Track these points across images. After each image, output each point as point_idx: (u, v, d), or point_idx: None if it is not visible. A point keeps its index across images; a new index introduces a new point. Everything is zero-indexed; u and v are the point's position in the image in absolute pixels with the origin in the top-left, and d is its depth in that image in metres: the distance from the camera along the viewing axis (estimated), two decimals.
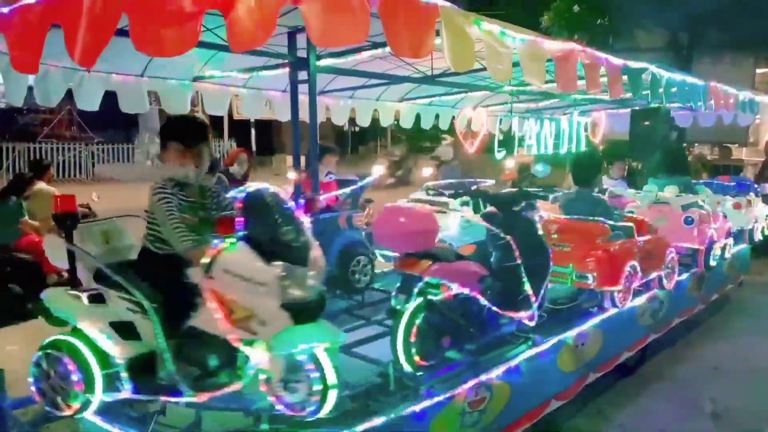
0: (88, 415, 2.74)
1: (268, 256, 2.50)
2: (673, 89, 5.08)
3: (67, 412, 2.76)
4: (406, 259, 3.31)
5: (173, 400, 2.64)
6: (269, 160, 24.11)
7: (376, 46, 3.82)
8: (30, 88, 3.90)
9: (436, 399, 2.99)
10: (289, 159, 14.31)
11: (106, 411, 2.78)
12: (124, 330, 2.70)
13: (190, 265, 2.62)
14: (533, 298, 3.61)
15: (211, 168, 5.50)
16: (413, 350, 3.10)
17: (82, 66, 2.41)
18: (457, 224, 5.33)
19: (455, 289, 3.24)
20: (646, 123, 7.96)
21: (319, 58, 3.89)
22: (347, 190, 5.32)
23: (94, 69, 4.11)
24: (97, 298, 2.82)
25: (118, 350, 2.65)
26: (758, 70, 16.30)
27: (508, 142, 6.95)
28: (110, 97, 4.49)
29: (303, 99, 3.79)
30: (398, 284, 3.31)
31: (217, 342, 2.56)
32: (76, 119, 21.17)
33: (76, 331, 2.75)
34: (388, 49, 2.73)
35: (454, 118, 7.41)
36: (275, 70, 4.46)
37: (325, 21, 2.25)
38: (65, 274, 6.26)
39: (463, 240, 4.48)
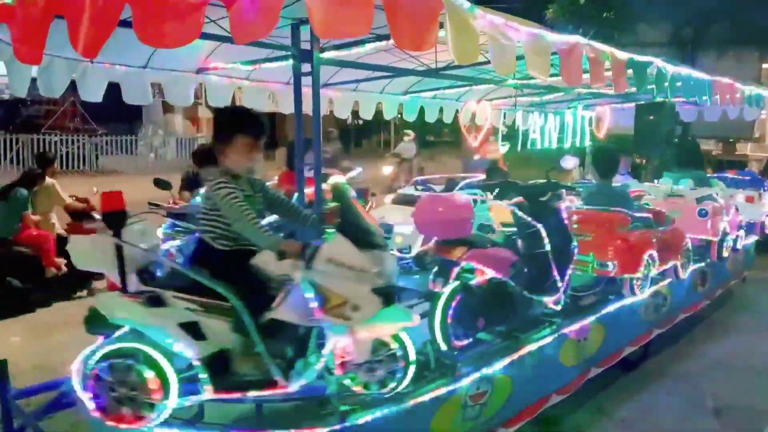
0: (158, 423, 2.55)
1: (356, 244, 2.61)
2: (679, 83, 5.05)
3: (139, 425, 2.54)
4: (443, 246, 3.56)
5: (260, 394, 2.63)
6: (272, 153, 24.09)
7: (380, 38, 3.80)
8: (33, 79, 3.89)
9: (438, 392, 3.00)
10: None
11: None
12: (192, 330, 2.57)
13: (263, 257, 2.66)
14: (560, 284, 3.83)
15: (214, 160, 5.51)
16: (450, 330, 3.29)
17: (86, 57, 2.41)
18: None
19: (489, 273, 3.47)
20: (651, 117, 7.93)
21: (322, 50, 3.87)
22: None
23: (98, 60, 4.09)
24: (153, 301, 2.61)
25: (191, 352, 2.54)
26: (764, 65, 16.19)
27: (512, 135, 6.94)
28: (114, 89, 4.48)
29: (306, 92, 3.78)
30: (436, 269, 3.53)
31: (300, 331, 2.65)
32: (79, 111, 21.16)
33: (138, 337, 2.57)
34: (391, 41, 2.71)
35: (458, 111, 7.39)
36: (279, 62, 4.44)
37: (328, 12, 2.24)
38: (64, 269, 6.33)
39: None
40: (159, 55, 4.33)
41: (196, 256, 2.79)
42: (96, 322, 2.67)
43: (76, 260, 2.87)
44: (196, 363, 2.54)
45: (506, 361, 3.40)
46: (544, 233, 3.75)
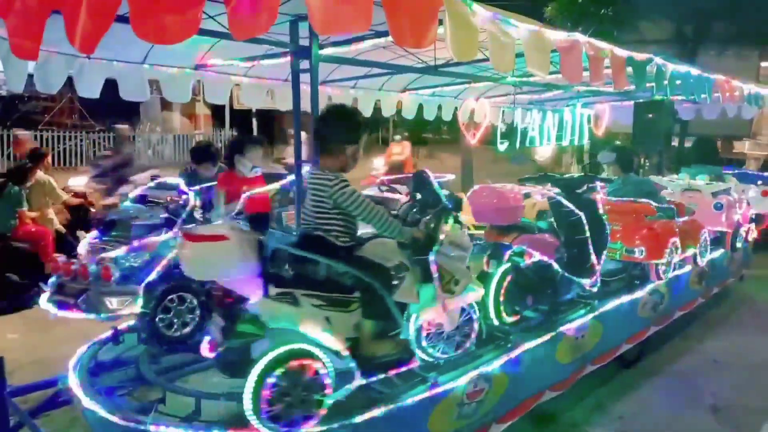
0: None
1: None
2: (678, 81, 5.05)
3: (308, 424, 2.56)
4: (497, 230, 4.00)
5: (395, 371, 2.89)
6: (271, 150, 24.04)
7: (379, 35, 3.79)
8: (30, 75, 3.87)
9: (436, 390, 3.00)
10: (291, 149, 14.19)
11: (107, 399, 2.79)
12: (330, 325, 2.64)
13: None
14: (596, 267, 4.24)
15: (212, 158, 5.50)
16: (501, 307, 3.66)
17: (82, 53, 2.40)
18: None
19: (537, 256, 3.86)
20: (650, 115, 7.92)
21: (321, 47, 3.85)
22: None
23: (95, 56, 4.09)
24: (294, 302, 2.61)
25: (340, 345, 2.64)
26: (763, 64, 16.18)
27: (511, 133, 6.93)
28: (111, 85, 4.46)
29: (305, 88, 3.76)
30: (488, 252, 3.75)
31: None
32: (77, 107, 21.09)
33: (296, 338, 2.56)
34: (390, 38, 2.70)
35: (456, 109, 7.38)
36: (277, 59, 4.42)
37: (327, 8, 2.23)
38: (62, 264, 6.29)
39: None
40: (156, 51, 4.31)
41: (317, 253, 2.72)
42: (250, 330, 2.54)
43: (198, 270, 2.66)
44: (345, 354, 2.65)
45: (504, 359, 3.42)
46: (585, 221, 4.15)
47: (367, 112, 6.62)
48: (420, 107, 7.12)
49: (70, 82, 4.21)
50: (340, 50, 4.18)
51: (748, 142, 16.15)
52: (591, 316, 4.18)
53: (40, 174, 6.75)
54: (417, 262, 2.91)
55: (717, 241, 6.18)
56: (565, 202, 4.17)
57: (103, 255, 3.65)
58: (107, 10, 2.14)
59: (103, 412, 2.71)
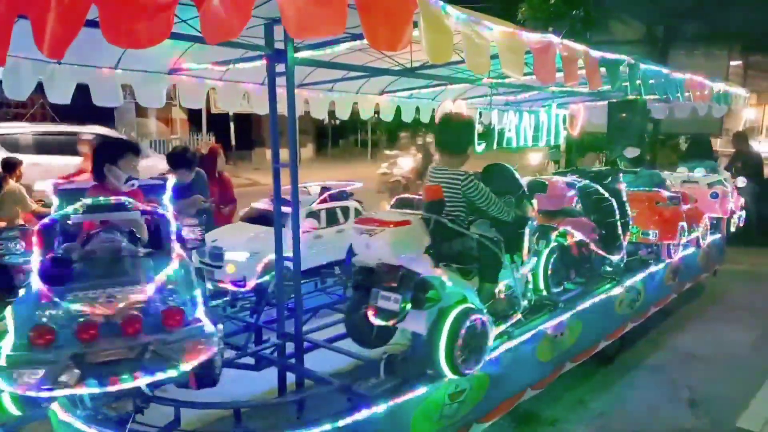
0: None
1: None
2: (651, 81, 5.14)
3: (475, 368, 3.27)
4: (544, 215, 4.41)
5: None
6: (249, 154, 23.89)
7: (354, 37, 3.78)
8: None
9: (418, 392, 3.00)
10: (269, 153, 14.04)
11: (83, 410, 2.73)
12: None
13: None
14: (623, 245, 5.02)
15: (188, 163, 5.43)
16: (550, 280, 4.21)
17: (51, 58, 2.34)
18: None
19: (578, 236, 4.52)
20: (624, 115, 8.05)
21: (296, 50, 3.83)
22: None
23: (65, 61, 4.01)
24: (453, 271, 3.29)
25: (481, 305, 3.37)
26: (731, 63, 16.56)
27: (488, 134, 6.97)
28: (84, 91, 4.38)
29: (281, 92, 3.74)
30: (538, 233, 4.17)
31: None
32: (49, 113, 20.69)
33: (464, 299, 3.23)
34: (366, 41, 2.70)
35: (434, 111, 7.40)
36: (252, 63, 4.39)
37: (301, 12, 2.21)
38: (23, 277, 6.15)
39: None
40: (129, 55, 4.24)
41: (443, 235, 3.33)
42: (434, 296, 3.11)
43: (387, 252, 3.11)
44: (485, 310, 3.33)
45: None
46: (616, 206, 4.96)
47: (344, 115, 6.60)
48: (398, 109, 7.13)
49: (40, 87, 4.13)
50: (317, 53, 4.16)
51: (720, 140, 16.50)
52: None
53: (11, 183, 6.62)
54: (508, 236, 3.69)
55: (714, 226, 6.98)
56: (601, 189, 4.99)
57: None
58: (76, 15, 2.10)
59: (78, 424, 2.66)
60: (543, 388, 4.08)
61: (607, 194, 4.97)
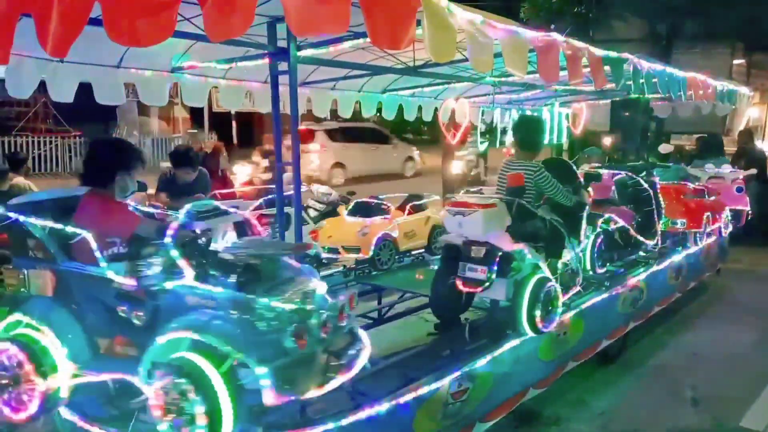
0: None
1: None
2: (654, 80, 5.12)
3: (552, 325, 3.82)
4: (594, 203, 4.82)
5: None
6: (251, 153, 23.86)
7: (357, 36, 3.77)
8: (1, 80, 3.79)
9: (421, 391, 3.00)
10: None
11: (86, 410, 2.74)
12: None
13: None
14: (658, 232, 5.58)
15: (191, 161, 5.44)
16: (595, 261, 4.70)
17: (54, 57, 2.34)
18: None
19: (620, 223, 5.05)
20: (626, 114, 8.04)
21: (299, 48, 3.83)
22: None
23: (68, 59, 4.00)
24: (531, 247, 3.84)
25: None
26: (735, 61, 16.50)
27: (491, 133, 6.98)
28: (87, 89, 4.38)
29: (284, 90, 3.74)
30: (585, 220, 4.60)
31: None
32: (51, 112, 20.72)
33: (536, 272, 3.77)
34: (369, 39, 2.69)
35: (437, 109, 7.39)
36: (255, 61, 4.38)
37: (304, 10, 2.21)
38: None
39: None
40: (132, 54, 4.25)
41: (522, 217, 3.85)
42: (517, 267, 3.75)
43: (478, 230, 3.64)
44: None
45: (488, 357, 3.44)
46: (654, 195, 5.55)
47: (347, 113, 6.60)
48: (400, 108, 7.12)
49: (43, 86, 4.13)
50: (319, 52, 4.16)
51: (724, 139, 16.44)
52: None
53: (20, 179, 6.62)
54: (568, 219, 4.24)
55: (735, 216, 7.41)
56: (641, 181, 5.61)
57: None
58: (79, 13, 2.10)
59: (82, 423, 2.66)
60: (546, 388, 4.07)
61: (645, 185, 5.60)
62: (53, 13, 2.12)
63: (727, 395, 4.50)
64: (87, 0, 2.08)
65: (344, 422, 2.66)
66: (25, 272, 2.75)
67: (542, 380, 4.03)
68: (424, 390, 3.01)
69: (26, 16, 2.27)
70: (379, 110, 7.02)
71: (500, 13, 3.44)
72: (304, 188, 5.42)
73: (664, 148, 7.46)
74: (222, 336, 2.23)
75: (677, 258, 5.84)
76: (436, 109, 7.40)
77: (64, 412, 2.73)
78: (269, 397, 2.17)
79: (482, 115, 8.05)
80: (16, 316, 2.70)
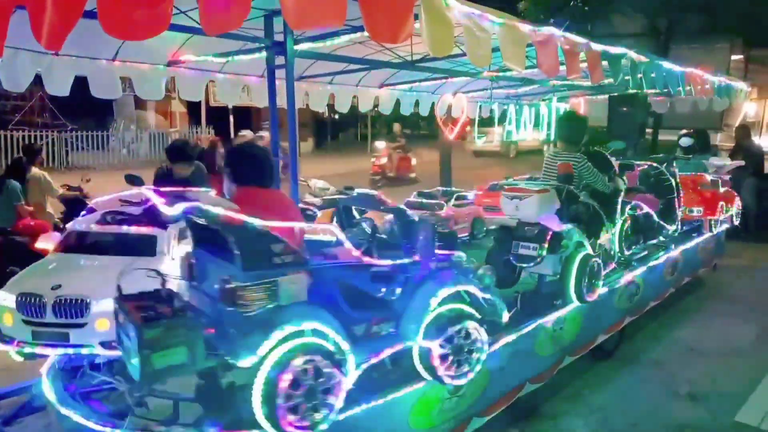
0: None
1: None
2: (652, 74, 5.11)
3: (595, 294, 4.35)
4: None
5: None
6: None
7: (354, 30, 3.75)
8: None
9: (417, 386, 2.99)
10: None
11: (83, 404, 2.73)
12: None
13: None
14: (678, 217, 6.11)
15: (187, 156, 5.41)
16: (624, 243, 5.12)
17: (49, 49, 2.33)
18: None
19: (645, 209, 5.57)
20: (624, 109, 8.03)
21: (296, 42, 3.81)
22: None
23: (63, 53, 3.99)
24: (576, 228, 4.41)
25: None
26: (733, 57, 16.50)
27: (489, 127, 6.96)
28: (83, 83, 4.36)
29: (281, 84, 3.72)
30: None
31: None
32: (48, 105, 20.62)
33: (581, 250, 4.32)
34: (366, 33, 2.68)
35: (434, 104, 7.38)
36: (252, 55, 4.37)
37: (301, 3, 2.20)
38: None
39: None
40: (127, 47, 4.22)
41: (569, 201, 4.36)
42: (565, 245, 4.26)
43: (534, 213, 4.14)
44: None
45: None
46: (675, 184, 6.07)
47: (344, 107, 6.58)
48: (397, 102, 7.11)
49: (39, 79, 4.10)
50: (317, 45, 4.14)
51: (720, 134, 16.46)
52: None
53: (35, 170, 6.73)
54: (605, 205, 4.73)
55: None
56: (665, 170, 6.10)
57: None
58: (74, 6, 2.08)
59: (78, 417, 2.65)
60: (542, 382, 4.08)
61: (668, 175, 6.12)
62: (48, 5, 2.10)
63: (724, 390, 4.51)
64: None
65: (340, 417, 2.65)
66: (277, 282, 2.42)
67: (539, 375, 4.03)
68: (420, 385, 3.01)
69: (21, 8, 2.25)
70: (376, 105, 7.01)
71: (497, 7, 3.42)
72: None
73: (686, 141, 7.78)
74: (473, 285, 3.11)
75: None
76: (433, 104, 7.39)
77: (61, 407, 2.72)
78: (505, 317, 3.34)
79: (480, 110, 8.04)
80: (288, 329, 2.41)
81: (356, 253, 2.73)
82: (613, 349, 5.10)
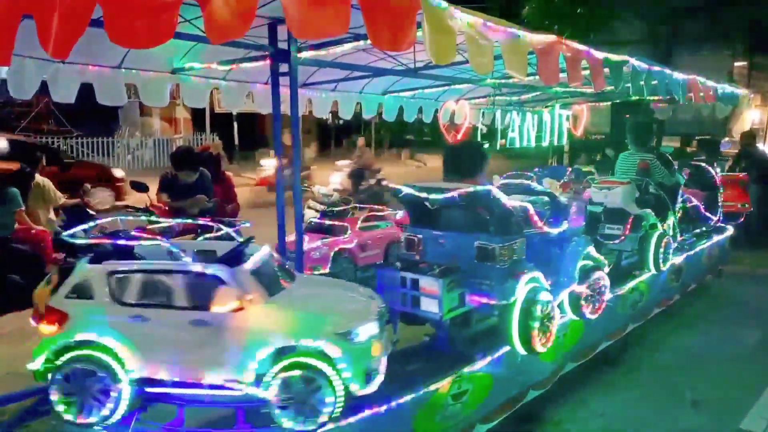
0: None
1: None
2: (654, 82, 5.12)
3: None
4: None
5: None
6: (252, 154, 23.87)
7: (357, 38, 3.79)
8: (3, 81, 3.80)
9: (421, 392, 3.00)
10: (273, 153, 13.95)
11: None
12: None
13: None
14: (720, 209, 7.15)
15: (192, 163, 5.45)
16: (677, 230, 6.07)
17: (56, 58, 2.35)
18: None
19: (694, 201, 6.78)
20: (627, 116, 8.04)
21: (300, 50, 3.85)
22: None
23: (70, 60, 4.03)
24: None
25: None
26: (736, 63, 16.51)
27: (491, 134, 6.99)
28: (88, 90, 4.39)
29: (285, 91, 3.75)
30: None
31: None
32: (54, 112, 20.75)
33: (656, 229, 5.35)
34: (369, 41, 2.70)
35: (437, 111, 7.40)
36: (256, 62, 4.40)
37: (305, 12, 2.22)
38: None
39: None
40: (133, 55, 4.26)
41: (644, 191, 5.57)
42: (639, 225, 5.26)
43: (617, 201, 5.21)
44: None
45: (488, 359, 3.45)
46: (717, 179, 7.12)
47: (347, 115, 6.61)
48: (401, 109, 7.13)
49: (45, 87, 4.14)
50: (320, 53, 4.17)
51: (723, 141, 16.43)
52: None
53: (36, 177, 6.73)
54: (669, 195, 5.77)
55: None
56: (709, 168, 7.13)
57: None
58: (81, 15, 2.11)
59: (81, 420, 2.67)
60: (546, 389, 4.07)
61: (713, 173, 7.11)
62: (55, 15, 2.13)
63: (728, 397, 4.49)
64: (88, 1, 2.09)
65: (344, 423, 2.66)
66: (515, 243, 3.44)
67: (542, 381, 4.02)
68: (423, 391, 3.01)
69: (28, 18, 2.28)
70: (380, 112, 7.03)
71: (499, 15, 3.44)
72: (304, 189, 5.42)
73: (724, 146, 9.08)
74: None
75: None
76: (436, 111, 7.41)
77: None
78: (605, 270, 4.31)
79: (482, 116, 8.06)
80: (529, 274, 3.47)
81: (540, 224, 3.78)
82: (617, 355, 5.09)
